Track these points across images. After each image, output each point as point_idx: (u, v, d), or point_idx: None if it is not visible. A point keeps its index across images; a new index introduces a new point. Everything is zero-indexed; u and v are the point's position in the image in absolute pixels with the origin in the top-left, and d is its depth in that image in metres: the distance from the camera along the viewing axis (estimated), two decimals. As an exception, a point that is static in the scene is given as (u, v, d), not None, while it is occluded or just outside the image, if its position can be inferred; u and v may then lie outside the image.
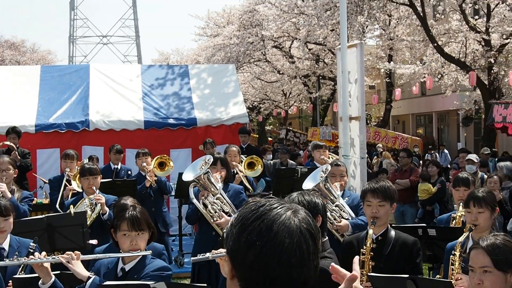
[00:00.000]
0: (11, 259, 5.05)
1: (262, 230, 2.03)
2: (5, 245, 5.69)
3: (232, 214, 7.27)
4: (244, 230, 2.06)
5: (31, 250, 5.25)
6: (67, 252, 5.03)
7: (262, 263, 2.02)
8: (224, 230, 7.12)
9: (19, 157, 11.83)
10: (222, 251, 4.28)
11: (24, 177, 12.21)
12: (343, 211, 6.92)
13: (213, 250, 4.46)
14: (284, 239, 2.02)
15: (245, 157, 11.66)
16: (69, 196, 9.64)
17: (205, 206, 7.56)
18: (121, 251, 5.14)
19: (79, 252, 5.09)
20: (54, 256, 5.05)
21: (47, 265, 4.91)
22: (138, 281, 4.96)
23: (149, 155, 11.25)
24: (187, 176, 7.77)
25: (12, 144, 12.04)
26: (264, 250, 2.01)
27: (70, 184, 9.97)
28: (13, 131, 12.54)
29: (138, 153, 11.36)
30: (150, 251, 5.25)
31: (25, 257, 4.97)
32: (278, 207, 2.08)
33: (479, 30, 22.45)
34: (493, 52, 22.56)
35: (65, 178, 10.26)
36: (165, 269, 5.22)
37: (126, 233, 5.07)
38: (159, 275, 5.05)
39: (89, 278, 4.87)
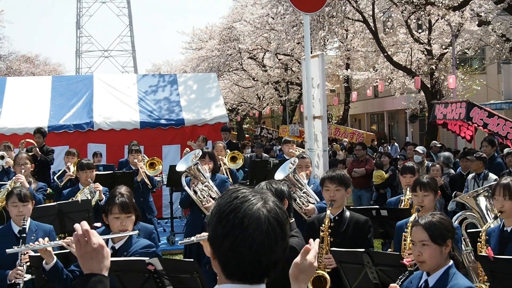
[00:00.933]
0: (19, 246, 4.97)
1: (235, 223, 2.04)
2: (27, 225, 5.65)
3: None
4: (220, 222, 2.08)
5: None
6: (67, 237, 4.99)
7: (236, 251, 2.04)
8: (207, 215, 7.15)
9: (39, 153, 11.82)
10: (205, 234, 4.28)
11: (46, 170, 12.23)
12: (310, 197, 6.93)
13: (197, 234, 4.46)
14: (254, 231, 2.04)
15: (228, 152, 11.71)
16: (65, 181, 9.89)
17: (195, 192, 7.58)
18: (111, 232, 5.12)
19: (52, 235, 5.14)
20: (56, 242, 4.98)
21: (50, 248, 4.86)
22: (127, 257, 4.95)
23: (140, 152, 11.22)
24: (180, 167, 7.82)
25: (33, 142, 12.04)
26: (237, 241, 2.03)
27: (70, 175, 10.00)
28: (38, 132, 12.54)
29: (130, 150, 11.20)
30: (137, 231, 5.26)
31: (31, 243, 4.91)
32: (251, 199, 2.09)
33: (422, 41, 22.55)
34: (434, 60, 22.71)
35: (64, 168, 10.46)
36: (150, 247, 5.21)
37: (117, 215, 5.06)
38: (146, 252, 5.05)
39: (53, 259, 4.85)
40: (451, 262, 3.95)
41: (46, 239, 4.97)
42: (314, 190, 7.45)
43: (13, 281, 4.96)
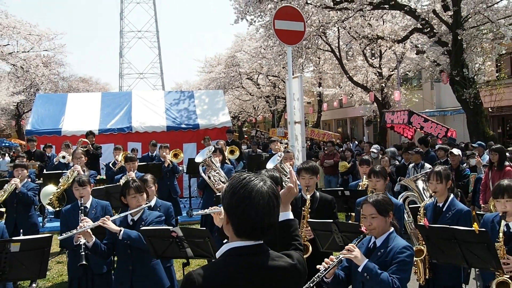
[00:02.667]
0: (67, 233, 4.90)
1: (246, 195, 2.16)
2: (88, 204, 5.75)
3: (225, 183, 7.28)
4: (233, 195, 2.18)
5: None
6: (101, 219, 4.95)
7: (246, 215, 2.15)
8: (220, 193, 7.20)
9: (92, 149, 12.02)
10: (216, 208, 4.25)
11: (97, 162, 12.38)
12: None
13: (210, 207, 4.44)
14: (259, 200, 2.15)
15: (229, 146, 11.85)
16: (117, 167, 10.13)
17: (209, 177, 7.65)
18: (129, 209, 5.12)
19: (109, 216, 5.05)
20: (94, 223, 4.91)
21: (89, 230, 4.86)
22: (145, 226, 4.95)
23: (167, 148, 11.30)
24: (198, 159, 7.94)
25: (88, 141, 12.17)
26: (247, 207, 2.14)
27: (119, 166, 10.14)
28: (90, 133, 12.76)
29: (160, 146, 11.50)
30: (150, 204, 5.27)
31: (75, 229, 4.85)
32: (254, 179, 2.22)
33: (375, 66, 22.53)
34: (383, 79, 22.73)
35: (114, 159, 10.65)
36: (160, 216, 5.19)
37: (133, 195, 5.04)
38: (158, 220, 5.08)
39: (120, 230, 4.84)
40: (392, 228, 3.98)
41: (86, 220, 4.96)
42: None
43: (77, 242, 4.92)
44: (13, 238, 4.52)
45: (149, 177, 6.04)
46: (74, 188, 5.80)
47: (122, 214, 5.17)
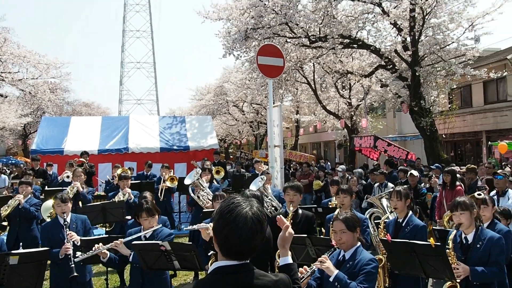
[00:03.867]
0: (84, 254, 4.78)
1: (230, 220, 2.12)
2: (68, 219, 5.51)
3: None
4: (221, 218, 2.16)
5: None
6: (115, 242, 4.85)
7: (230, 237, 2.11)
8: (206, 209, 7.17)
9: (87, 167, 11.74)
10: (203, 224, 4.21)
11: (91, 179, 12.05)
12: (273, 201, 6.84)
13: (198, 224, 4.42)
14: (242, 226, 2.11)
15: (215, 166, 11.77)
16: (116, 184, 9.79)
17: (198, 197, 7.61)
18: (142, 227, 5.02)
19: (122, 239, 4.90)
20: (108, 246, 4.82)
21: (104, 250, 4.77)
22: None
23: (168, 168, 11.37)
24: (187, 181, 7.91)
25: (84, 160, 11.94)
26: (231, 231, 2.11)
27: (116, 181, 9.88)
28: (85, 153, 12.51)
29: (162, 166, 11.49)
30: (161, 225, 5.12)
31: (91, 251, 4.73)
32: (242, 205, 2.17)
33: (345, 97, 22.74)
34: (353, 108, 22.92)
35: (111, 176, 10.66)
36: (170, 235, 5.10)
37: (145, 218, 4.95)
38: (169, 239, 4.95)
39: (130, 254, 4.82)
40: (359, 243, 3.97)
41: (100, 244, 4.81)
42: (274, 195, 7.43)
43: (63, 256, 4.81)
44: (12, 251, 4.44)
45: (148, 194, 5.98)
46: (56, 205, 5.60)
47: (136, 236, 5.00)
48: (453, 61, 14.47)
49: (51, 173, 12.54)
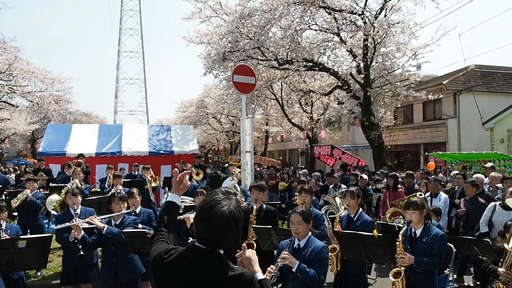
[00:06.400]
0: (62, 225, 4.90)
1: (208, 216, 2.06)
2: (78, 211, 5.47)
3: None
4: (200, 212, 2.09)
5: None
6: (89, 217, 4.97)
7: (207, 230, 2.06)
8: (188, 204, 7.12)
9: (85, 168, 11.47)
10: (186, 215, 4.20)
11: (87, 177, 11.76)
12: (242, 198, 6.83)
13: (183, 215, 4.41)
14: (218, 222, 2.05)
15: (196, 169, 11.62)
16: (110, 185, 9.43)
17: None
18: (113, 212, 5.07)
19: (96, 216, 5.04)
20: (84, 220, 4.97)
21: (80, 225, 4.84)
22: (124, 227, 4.89)
23: (149, 169, 11.01)
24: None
25: (81, 161, 11.74)
26: (207, 226, 2.06)
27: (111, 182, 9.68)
28: (81, 155, 12.41)
29: (143, 167, 11.13)
30: (129, 210, 5.17)
31: (70, 222, 4.87)
32: (222, 202, 2.10)
33: (308, 112, 22.93)
34: (314, 122, 23.12)
35: (107, 178, 10.11)
36: (135, 221, 5.10)
37: (117, 203, 5.00)
38: (134, 223, 5.01)
39: (104, 227, 4.81)
40: (310, 233, 3.99)
41: (78, 219, 4.91)
42: (242, 191, 7.49)
43: (73, 239, 4.84)
44: (21, 236, 4.47)
45: (135, 190, 5.94)
46: (68, 198, 5.62)
47: (106, 216, 5.09)
48: (398, 84, 14.81)
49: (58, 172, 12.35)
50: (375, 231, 4.42)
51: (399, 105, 18.59)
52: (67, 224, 4.82)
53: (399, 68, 15.15)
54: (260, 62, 15.65)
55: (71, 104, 37.44)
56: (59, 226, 4.90)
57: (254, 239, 5.18)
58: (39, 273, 7.36)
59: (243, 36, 14.44)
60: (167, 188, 10.20)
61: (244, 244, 2.49)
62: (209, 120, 35.96)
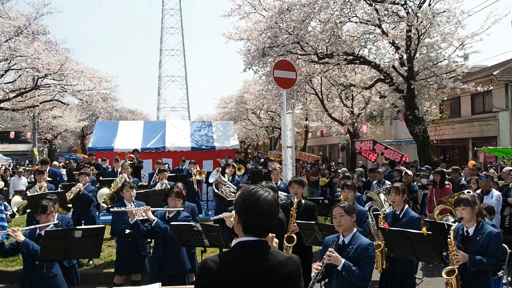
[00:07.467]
0: (120, 208, 5.21)
1: (254, 201, 2.06)
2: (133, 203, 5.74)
3: (235, 191, 7.25)
4: (245, 201, 2.08)
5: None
6: (142, 207, 5.16)
7: (253, 217, 2.05)
8: (230, 198, 7.20)
9: (136, 162, 11.90)
10: (226, 214, 4.20)
11: (139, 172, 12.24)
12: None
13: (223, 213, 4.42)
14: (264, 206, 2.05)
15: (237, 164, 11.67)
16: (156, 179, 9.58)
17: (222, 192, 7.66)
18: (168, 207, 5.15)
19: (149, 207, 5.12)
20: (137, 208, 5.23)
21: (134, 211, 5.06)
22: (179, 222, 4.95)
23: (195, 163, 11.24)
24: (211, 180, 8.10)
25: (133, 156, 12.14)
26: (255, 211, 2.05)
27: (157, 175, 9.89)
28: (135, 150, 12.80)
29: (190, 162, 11.41)
30: (183, 208, 5.21)
31: (125, 208, 5.15)
32: (260, 191, 2.10)
33: (348, 106, 22.55)
34: (354, 116, 22.69)
35: (156, 172, 10.22)
36: (188, 217, 5.15)
37: (173, 198, 5.06)
38: (185, 219, 5.03)
39: (154, 220, 4.94)
40: (355, 229, 3.91)
41: (134, 206, 5.23)
42: (283, 187, 7.46)
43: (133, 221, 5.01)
44: (77, 227, 4.64)
45: (180, 185, 6.04)
46: (125, 191, 5.84)
47: (163, 209, 5.21)
48: (444, 76, 14.21)
49: (104, 166, 12.79)
50: (424, 229, 4.25)
51: (445, 98, 17.85)
52: (123, 208, 5.08)
53: (445, 59, 14.54)
54: (299, 57, 15.49)
55: (117, 102, 38.98)
56: (115, 209, 5.15)
57: (295, 232, 5.13)
58: (91, 262, 7.64)
59: (282, 31, 14.34)
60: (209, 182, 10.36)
61: (271, 234, 2.44)
62: (249, 115, 36.12)
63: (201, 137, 15.43)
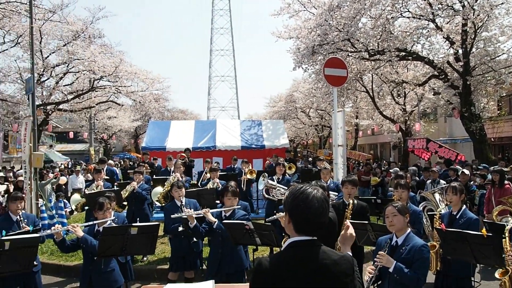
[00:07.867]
0: (178, 214, 5.18)
1: (304, 199, 2.05)
2: (183, 202, 5.82)
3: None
4: (295, 199, 2.07)
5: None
6: (203, 210, 5.12)
7: (304, 214, 2.04)
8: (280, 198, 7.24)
9: (188, 161, 12.08)
10: (280, 214, 4.23)
11: (190, 171, 12.39)
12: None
13: (278, 213, 4.46)
14: (315, 203, 2.04)
15: (288, 163, 11.66)
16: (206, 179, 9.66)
17: (273, 196, 7.71)
18: (224, 206, 5.17)
19: (210, 209, 5.13)
20: (197, 212, 5.20)
21: (194, 216, 5.09)
22: (233, 220, 4.98)
23: (247, 163, 11.30)
24: (260, 187, 8.24)
25: (185, 155, 12.30)
26: (305, 209, 2.04)
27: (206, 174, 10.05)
28: (187, 150, 12.95)
29: (242, 161, 11.47)
30: (240, 206, 5.19)
31: (186, 212, 5.14)
32: (309, 189, 2.09)
33: (400, 103, 21.92)
34: (407, 114, 22.01)
35: (205, 170, 10.39)
36: (245, 215, 5.14)
37: (229, 197, 5.07)
38: (243, 218, 5.01)
39: (215, 222, 4.97)
40: (409, 229, 3.80)
41: (192, 210, 5.18)
42: (333, 186, 7.39)
43: (193, 224, 5.11)
44: (133, 224, 4.68)
45: (233, 183, 6.12)
46: (173, 191, 5.91)
47: (218, 210, 5.20)
48: (503, 71, 13.48)
49: (157, 165, 13.09)
50: (483, 231, 4.10)
51: (504, 94, 16.96)
52: (183, 214, 5.12)
53: (503, 54, 13.86)
54: (350, 54, 15.27)
55: (168, 102, 40.13)
56: (176, 215, 5.17)
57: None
58: (145, 258, 7.84)
59: (332, 29, 14.19)
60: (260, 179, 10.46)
61: (348, 223, 2.49)
62: (298, 114, 35.99)
63: (251, 136, 15.54)
